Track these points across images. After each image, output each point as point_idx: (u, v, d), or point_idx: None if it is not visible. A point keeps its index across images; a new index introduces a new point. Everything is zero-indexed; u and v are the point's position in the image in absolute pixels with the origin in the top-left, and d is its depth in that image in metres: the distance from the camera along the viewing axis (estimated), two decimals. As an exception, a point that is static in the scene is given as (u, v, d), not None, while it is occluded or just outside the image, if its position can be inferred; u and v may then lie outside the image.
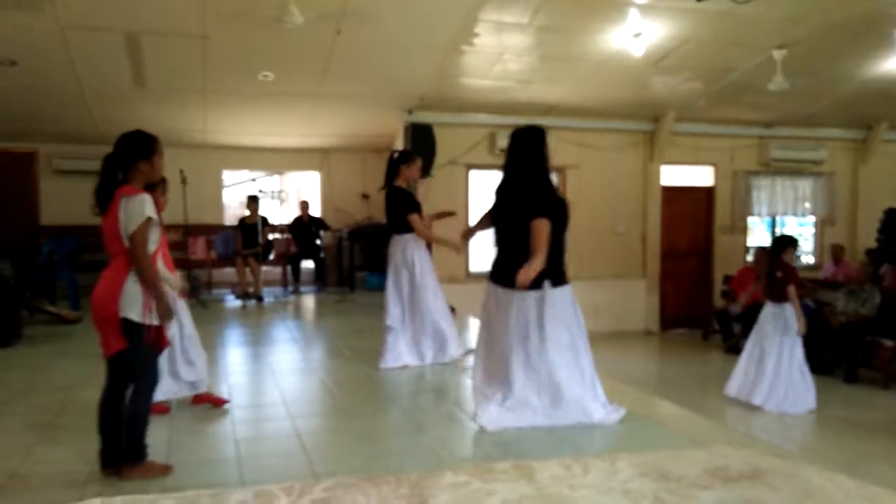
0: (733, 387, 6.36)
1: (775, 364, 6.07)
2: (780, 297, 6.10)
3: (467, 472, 1.48)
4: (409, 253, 5.36)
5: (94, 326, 3.13)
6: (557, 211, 3.80)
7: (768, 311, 6.21)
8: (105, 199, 3.07)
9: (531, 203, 3.74)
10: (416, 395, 4.84)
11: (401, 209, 5.35)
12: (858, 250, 10.43)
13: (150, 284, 3.02)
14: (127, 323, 3.02)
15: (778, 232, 11.45)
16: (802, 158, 10.86)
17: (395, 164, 5.46)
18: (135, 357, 3.08)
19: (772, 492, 1.41)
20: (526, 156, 3.88)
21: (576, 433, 3.69)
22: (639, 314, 10.50)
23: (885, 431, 6.00)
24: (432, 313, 5.38)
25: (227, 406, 4.36)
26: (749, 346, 6.36)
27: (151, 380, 3.20)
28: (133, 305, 3.01)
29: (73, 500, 2.64)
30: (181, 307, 4.29)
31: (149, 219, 3.00)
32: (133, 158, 3.09)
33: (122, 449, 3.11)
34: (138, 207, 2.98)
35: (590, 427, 3.79)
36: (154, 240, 3.11)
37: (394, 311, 5.37)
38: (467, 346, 5.56)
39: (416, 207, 5.41)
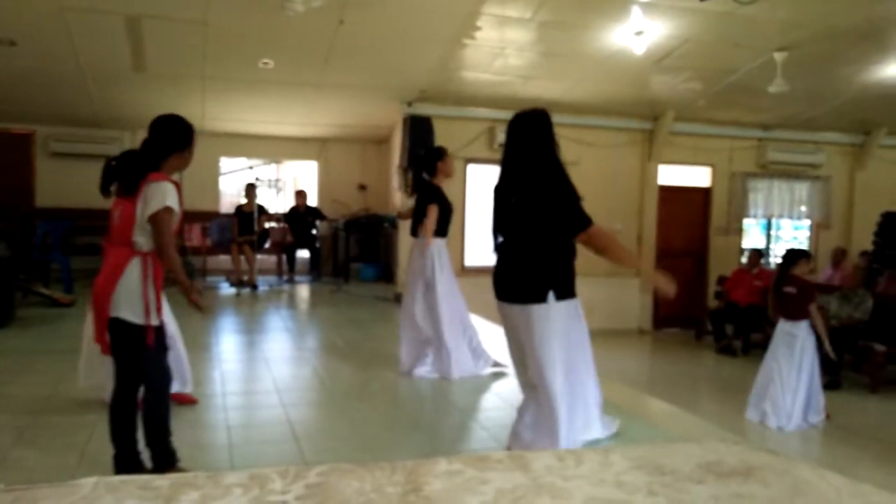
0: (751, 410, 5.91)
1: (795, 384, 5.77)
2: (792, 315, 5.80)
3: (462, 460, 1.49)
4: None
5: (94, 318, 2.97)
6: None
7: (782, 328, 5.84)
8: (134, 183, 2.88)
9: (563, 212, 3.10)
10: (410, 388, 4.85)
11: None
12: (853, 254, 10.47)
13: (171, 268, 2.86)
14: (119, 323, 2.84)
15: (773, 235, 11.50)
16: (800, 162, 10.88)
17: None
18: (137, 359, 2.90)
19: (763, 487, 1.42)
20: (532, 145, 3.29)
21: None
22: (632, 313, 10.53)
23: (873, 436, 6.03)
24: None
25: (219, 392, 4.36)
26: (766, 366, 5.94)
27: (159, 382, 2.97)
28: (129, 304, 2.83)
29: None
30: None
31: (168, 208, 2.84)
32: (170, 148, 2.99)
33: (153, 455, 2.95)
34: (161, 192, 2.84)
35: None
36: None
37: None
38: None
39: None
